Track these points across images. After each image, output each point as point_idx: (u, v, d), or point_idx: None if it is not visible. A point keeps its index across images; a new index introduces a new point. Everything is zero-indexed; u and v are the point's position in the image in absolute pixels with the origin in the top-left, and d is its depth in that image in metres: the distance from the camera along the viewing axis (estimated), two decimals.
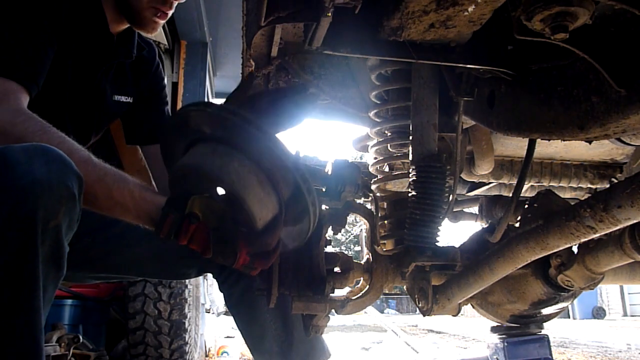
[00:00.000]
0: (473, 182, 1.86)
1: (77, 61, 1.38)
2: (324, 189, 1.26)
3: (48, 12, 1.26)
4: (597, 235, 0.97)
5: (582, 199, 1.41)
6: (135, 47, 1.53)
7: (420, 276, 1.34)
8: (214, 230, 1.00)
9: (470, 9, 0.90)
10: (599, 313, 15.82)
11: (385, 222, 1.55)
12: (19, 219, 0.82)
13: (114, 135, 2.45)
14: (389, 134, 1.51)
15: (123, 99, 1.56)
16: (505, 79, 1.14)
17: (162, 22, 1.44)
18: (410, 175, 1.34)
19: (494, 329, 1.56)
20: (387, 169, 1.58)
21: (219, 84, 5.78)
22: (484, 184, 1.88)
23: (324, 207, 1.31)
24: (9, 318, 0.82)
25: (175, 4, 1.43)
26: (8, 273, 0.82)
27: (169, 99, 2.13)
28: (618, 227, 0.93)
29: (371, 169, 1.59)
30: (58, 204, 0.86)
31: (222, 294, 1.57)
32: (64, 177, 0.88)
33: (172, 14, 1.47)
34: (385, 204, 1.58)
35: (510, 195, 1.50)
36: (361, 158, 2.21)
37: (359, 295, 1.38)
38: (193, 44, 4.64)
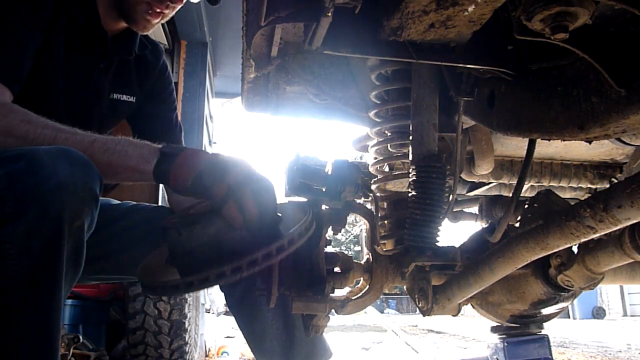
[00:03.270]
0: (473, 182, 1.86)
1: (69, 58, 1.37)
2: (324, 189, 1.26)
3: (28, 7, 1.25)
4: (597, 235, 0.97)
5: (582, 199, 1.41)
6: (136, 45, 1.52)
7: (420, 276, 1.34)
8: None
9: (470, 9, 0.90)
10: (599, 313, 15.82)
11: (385, 222, 1.55)
12: (48, 220, 0.85)
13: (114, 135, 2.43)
14: (389, 134, 1.51)
15: (124, 97, 1.54)
16: (505, 79, 1.14)
17: (155, 20, 1.41)
18: (410, 175, 1.34)
19: (494, 329, 1.56)
20: (387, 169, 1.58)
21: (219, 84, 5.78)
22: (484, 184, 1.88)
23: (323, 207, 1.31)
24: (30, 316, 0.84)
25: (176, 7, 1.41)
26: (34, 272, 0.85)
27: None
28: (618, 227, 0.93)
29: (371, 169, 1.59)
30: (82, 204, 0.89)
31: (222, 294, 1.57)
32: (87, 178, 0.91)
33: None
34: (385, 204, 1.58)
35: (510, 195, 1.50)
36: (361, 158, 2.21)
37: (359, 295, 1.38)
38: (193, 44, 4.64)
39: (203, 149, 4.55)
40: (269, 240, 0.92)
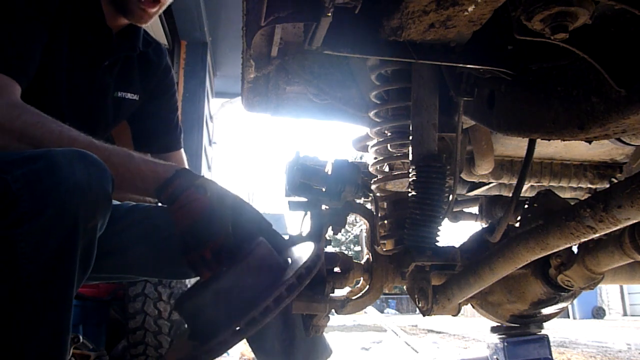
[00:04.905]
0: (473, 182, 1.86)
1: (73, 56, 1.37)
2: (324, 189, 1.26)
3: (36, 4, 1.25)
4: (597, 235, 0.97)
5: (582, 199, 1.41)
6: (140, 41, 1.51)
7: (420, 276, 1.34)
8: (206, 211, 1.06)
9: (470, 9, 0.90)
10: (599, 313, 15.81)
11: (385, 222, 1.55)
12: (64, 219, 0.87)
13: (114, 136, 2.44)
14: (389, 134, 1.51)
15: (129, 95, 1.54)
16: (505, 79, 1.14)
17: (151, 10, 1.39)
18: (410, 175, 1.34)
19: (494, 329, 1.56)
20: (387, 169, 1.58)
21: (219, 84, 5.78)
22: (484, 184, 1.88)
23: (323, 207, 1.31)
24: (42, 315, 0.85)
25: None
26: (48, 271, 0.86)
27: None
28: (618, 227, 0.93)
29: (371, 169, 1.59)
30: (97, 205, 0.92)
31: None
32: (101, 179, 0.93)
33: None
34: (385, 204, 1.58)
35: (510, 195, 1.50)
36: (361, 158, 2.22)
37: (359, 295, 1.38)
38: (193, 44, 4.64)
39: (203, 149, 4.55)
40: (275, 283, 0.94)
